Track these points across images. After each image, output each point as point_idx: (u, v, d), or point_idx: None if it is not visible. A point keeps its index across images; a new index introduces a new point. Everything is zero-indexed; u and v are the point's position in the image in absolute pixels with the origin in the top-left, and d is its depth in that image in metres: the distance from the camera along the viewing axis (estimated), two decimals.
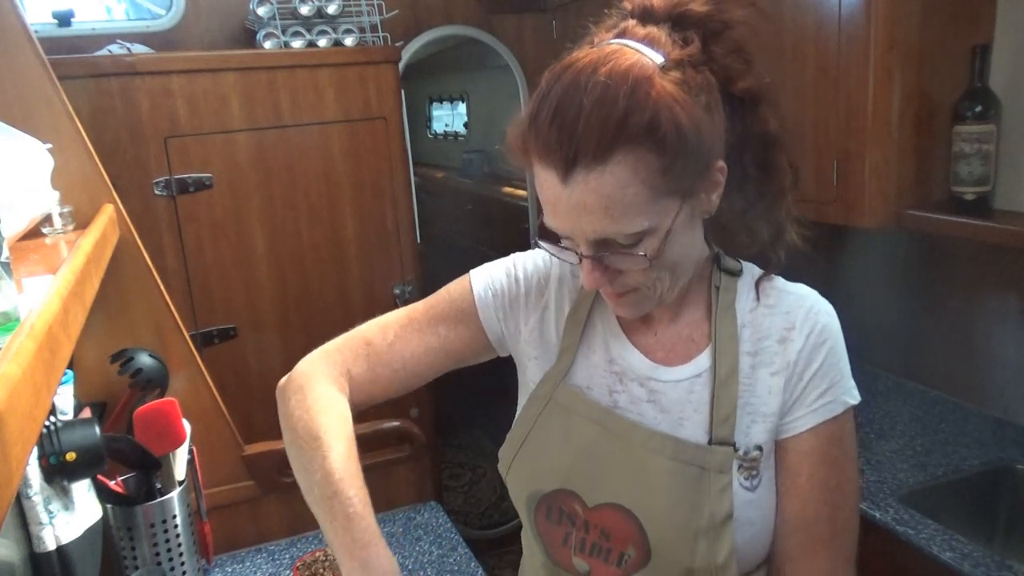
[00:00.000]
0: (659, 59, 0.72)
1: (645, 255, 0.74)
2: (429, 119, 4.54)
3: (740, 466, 0.82)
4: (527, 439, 0.90)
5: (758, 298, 0.86)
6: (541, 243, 0.83)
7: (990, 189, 1.51)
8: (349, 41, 2.16)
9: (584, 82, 0.71)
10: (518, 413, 0.93)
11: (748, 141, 0.80)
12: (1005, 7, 1.54)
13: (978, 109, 1.49)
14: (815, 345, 0.82)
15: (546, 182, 0.74)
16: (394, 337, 0.96)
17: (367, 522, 0.81)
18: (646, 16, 0.78)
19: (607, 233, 0.73)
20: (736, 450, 0.82)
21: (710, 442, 0.82)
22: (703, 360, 0.85)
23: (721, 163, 0.76)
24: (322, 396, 0.91)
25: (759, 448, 0.82)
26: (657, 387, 0.86)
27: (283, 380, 0.95)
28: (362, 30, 2.20)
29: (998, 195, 1.54)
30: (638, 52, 0.73)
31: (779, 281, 0.87)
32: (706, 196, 0.77)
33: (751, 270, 0.88)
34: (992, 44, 1.55)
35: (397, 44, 2.30)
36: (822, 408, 0.82)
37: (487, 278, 0.97)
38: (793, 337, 0.83)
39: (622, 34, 0.76)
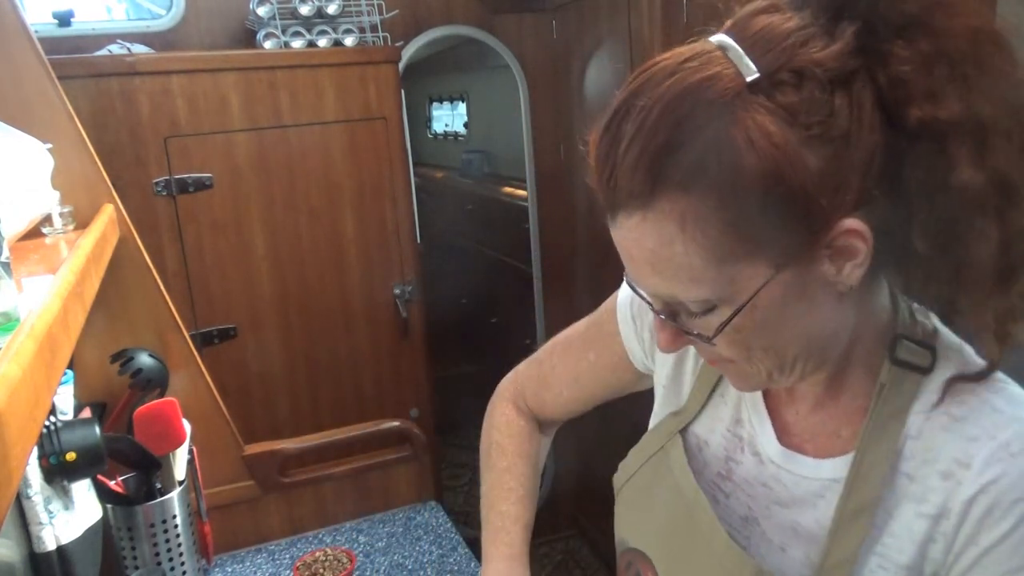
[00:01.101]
0: (751, 74, 0.52)
1: (700, 333, 0.58)
2: (429, 119, 4.53)
3: None
4: (630, 481, 0.80)
5: (943, 399, 0.60)
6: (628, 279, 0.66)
7: None
8: (349, 41, 2.16)
9: (640, 97, 0.54)
10: (638, 443, 0.82)
11: (919, 194, 0.54)
12: (1005, 7, 1.54)
13: None
14: (998, 501, 0.55)
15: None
16: (556, 360, 0.94)
17: (510, 536, 0.87)
18: None
19: (662, 293, 0.58)
20: None
21: None
22: (844, 465, 0.63)
23: (853, 223, 0.53)
24: (499, 416, 0.98)
25: None
26: (779, 475, 0.68)
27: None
28: (362, 30, 2.20)
29: None
30: (728, 60, 0.53)
31: (994, 387, 0.59)
32: (832, 266, 0.56)
33: (952, 363, 0.61)
34: None
35: (397, 44, 2.29)
36: None
37: (629, 289, 0.82)
38: (962, 478, 0.57)
39: (735, 24, 0.56)
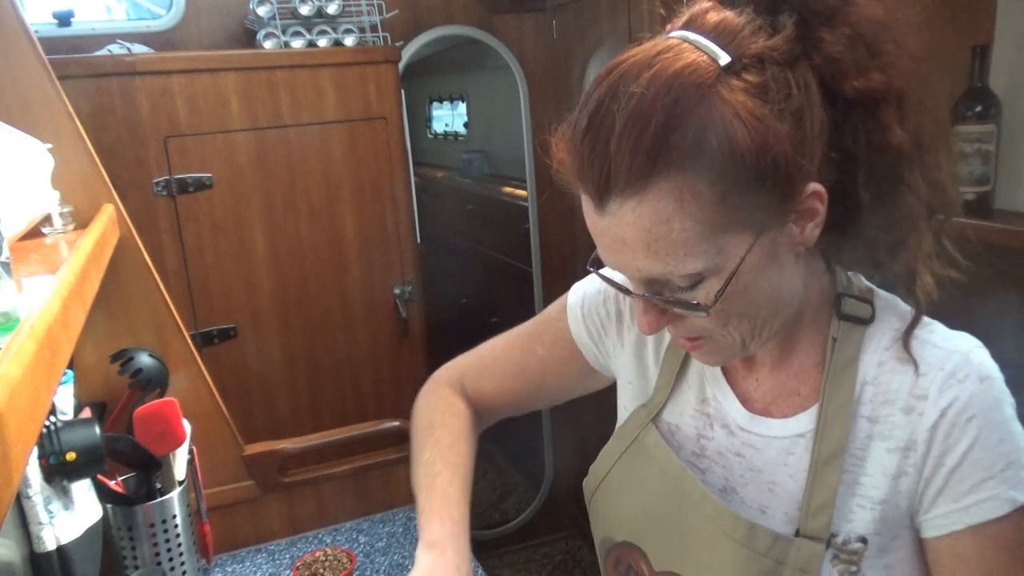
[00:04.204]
0: (724, 58, 0.58)
1: (699, 304, 0.61)
2: (429, 119, 4.53)
3: (835, 557, 0.66)
4: (607, 478, 0.82)
5: (888, 348, 0.68)
6: (596, 271, 0.70)
7: (990, 189, 1.51)
8: (349, 41, 2.16)
9: (622, 91, 0.58)
10: (608, 443, 0.84)
11: (860, 156, 0.62)
12: (1005, 7, 1.54)
13: (978, 109, 1.49)
14: (955, 422, 0.63)
15: (585, 207, 0.63)
16: (499, 353, 0.94)
17: (456, 510, 0.81)
18: None
19: (654, 273, 0.61)
20: (833, 537, 0.66)
21: (797, 533, 0.67)
22: (808, 419, 0.70)
23: (815, 186, 0.61)
24: (441, 397, 0.95)
25: (863, 540, 0.66)
26: (750, 440, 0.73)
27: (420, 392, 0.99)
28: (362, 30, 2.20)
29: (998, 195, 1.53)
30: (698, 50, 0.59)
31: (927, 328, 0.68)
32: (796, 227, 0.62)
33: (890, 313, 0.70)
34: (992, 44, 1.54)
35: (397, 44, 2.29)
36: (977, 506, 0.63)
37: (582, 291, 0.87)
38: (923, 409, 0.64)
39: (689, 22, 0.62)
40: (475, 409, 0.96)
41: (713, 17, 0.61)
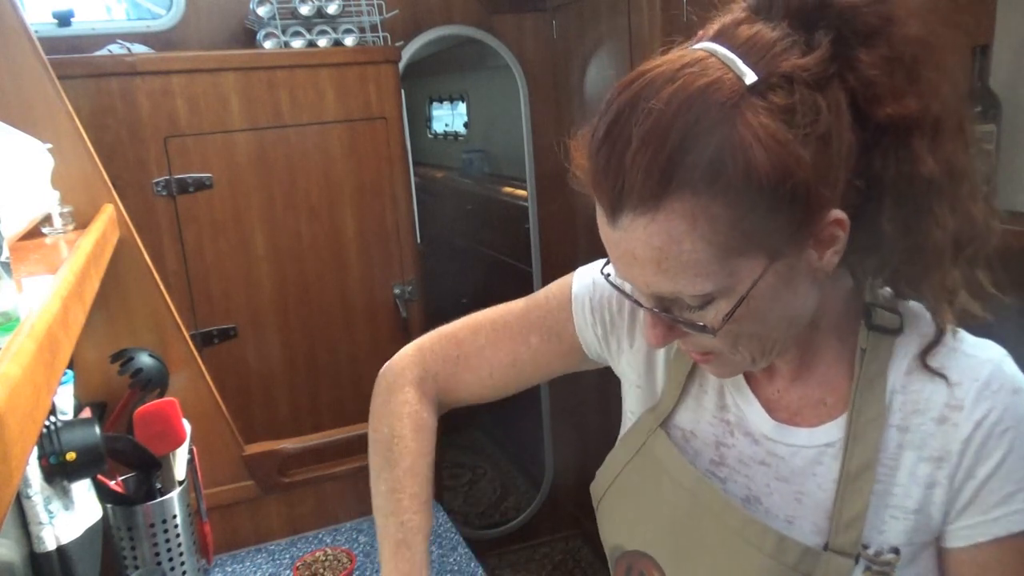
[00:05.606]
0: (750, 77, 0.55)
1: (705, 326, 0.60)
2: (429, 119, 4.53)
3: (867, 568, 0.65)
4: (614, 484, 0.80)
5: (919, 356, 0.67)
6: (608, 276, 0.68)
7: (990, 189, 1.51)
8: (349, 41, 2.16)
9: (642, 104, 0.56)
10: (615, 447, 0.82)
11: (887, 185, 0.59)
12: (1005, 7, 1.54)
13: (978, 109, 1.49)
14: (990, 434, 0.63)
15: (598, 217, 0.61)
16: (485, 341, 0.87)
17: (412, 552, 0.80)
18: (766, 9, 0.59)
19: (663, 290, 0.60)
20: (865, 548, 0.65)
21: (826, 547, 0.66)
22: (836, 429, 0.68)
23: (837, 213, 0.58)
24: (405, 402, 0.88)
25: (895, 551, 0.65)
26: (776, 449, 0.71)
27: (380, 372, 0.92)
28: (362, 30, 2.20)
29: (998, 195, 1.53)
30: (724, 66, 0.56)
31: (955, 336, 0.67)
32: (815, 253, 0.60)
33: (918, 321, 0.68)
34: (992, 44, 1.54)
35: (397, 44, 2.30)
36: (1006, 518, 0.63)
37: (588, 281, 0.83)
38: (958, 420, 0.64)
39: (719, 34, 0.59)
40: (438, 402, 0.91)
41: (745, 31, 0.58)
